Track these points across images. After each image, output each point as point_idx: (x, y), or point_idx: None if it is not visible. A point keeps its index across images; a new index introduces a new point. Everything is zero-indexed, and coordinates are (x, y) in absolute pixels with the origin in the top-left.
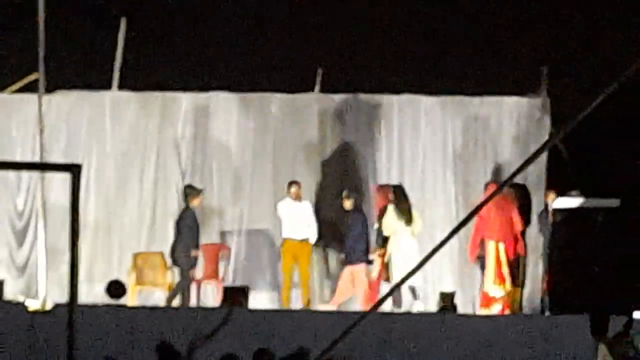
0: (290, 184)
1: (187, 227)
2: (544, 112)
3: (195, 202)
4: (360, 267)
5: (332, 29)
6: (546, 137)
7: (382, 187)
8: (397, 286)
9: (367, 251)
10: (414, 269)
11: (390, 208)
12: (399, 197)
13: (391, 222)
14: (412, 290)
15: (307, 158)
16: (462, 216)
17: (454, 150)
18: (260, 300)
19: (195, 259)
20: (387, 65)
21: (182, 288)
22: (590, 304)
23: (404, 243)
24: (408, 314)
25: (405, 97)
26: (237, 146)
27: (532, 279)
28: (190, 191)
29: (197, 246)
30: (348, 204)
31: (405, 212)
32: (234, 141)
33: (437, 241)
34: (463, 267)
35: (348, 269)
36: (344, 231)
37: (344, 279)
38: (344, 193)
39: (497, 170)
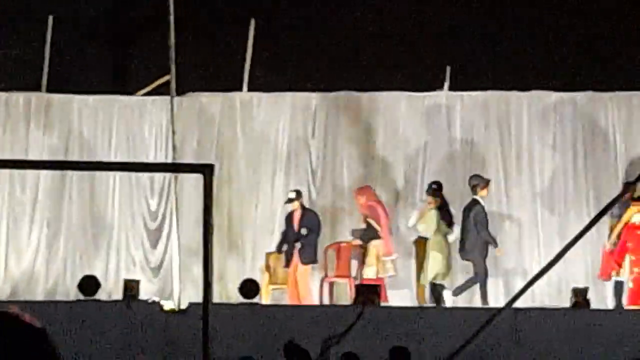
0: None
1: (482, 218)
2: None
3: (483, 192)
4: (307, 267)
5: (460, 28)
6: None
7: (363, 188)
8: (533, 281)
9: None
10: (548, 264)
11: (434, 212)
12: (444, 202)
13: (433, 224)
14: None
15: (433, 156)
16: (593, 214)
17: (584, 147)
18: (393, 297)
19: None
20: (515, 63)
21: (482, 281)
22: None
23: (443, 246)
24: (540, 309)
25: (535, 93)
26: (366, 145)
27: None
28: (478, 181)
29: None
30: (296, 205)
31: (448, 218)
32: (363, 140)
33: (568, 238)
34: (595, 263)
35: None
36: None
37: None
38: (290, 194)
39: (630, 166)
